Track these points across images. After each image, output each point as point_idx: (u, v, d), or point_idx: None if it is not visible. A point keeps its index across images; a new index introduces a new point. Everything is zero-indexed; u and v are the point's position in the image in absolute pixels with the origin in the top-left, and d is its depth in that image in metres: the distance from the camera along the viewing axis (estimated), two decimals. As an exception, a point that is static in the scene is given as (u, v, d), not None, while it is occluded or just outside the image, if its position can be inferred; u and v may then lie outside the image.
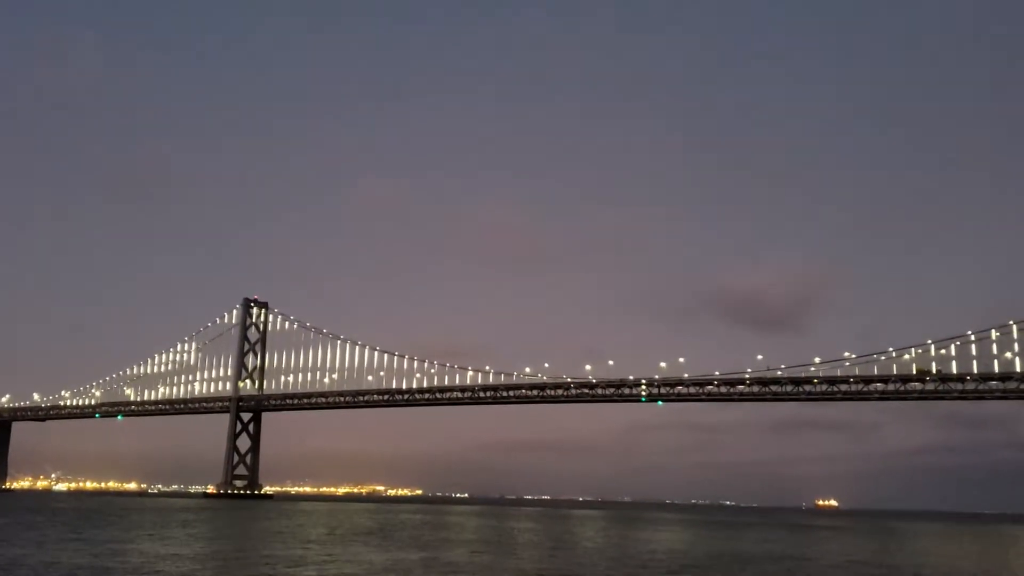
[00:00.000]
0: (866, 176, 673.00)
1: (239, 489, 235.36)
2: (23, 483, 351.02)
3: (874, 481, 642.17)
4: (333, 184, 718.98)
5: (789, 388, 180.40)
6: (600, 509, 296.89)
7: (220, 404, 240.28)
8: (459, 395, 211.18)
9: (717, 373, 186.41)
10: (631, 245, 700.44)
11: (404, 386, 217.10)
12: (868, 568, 60.06)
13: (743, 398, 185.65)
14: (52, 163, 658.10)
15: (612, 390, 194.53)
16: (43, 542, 62.49)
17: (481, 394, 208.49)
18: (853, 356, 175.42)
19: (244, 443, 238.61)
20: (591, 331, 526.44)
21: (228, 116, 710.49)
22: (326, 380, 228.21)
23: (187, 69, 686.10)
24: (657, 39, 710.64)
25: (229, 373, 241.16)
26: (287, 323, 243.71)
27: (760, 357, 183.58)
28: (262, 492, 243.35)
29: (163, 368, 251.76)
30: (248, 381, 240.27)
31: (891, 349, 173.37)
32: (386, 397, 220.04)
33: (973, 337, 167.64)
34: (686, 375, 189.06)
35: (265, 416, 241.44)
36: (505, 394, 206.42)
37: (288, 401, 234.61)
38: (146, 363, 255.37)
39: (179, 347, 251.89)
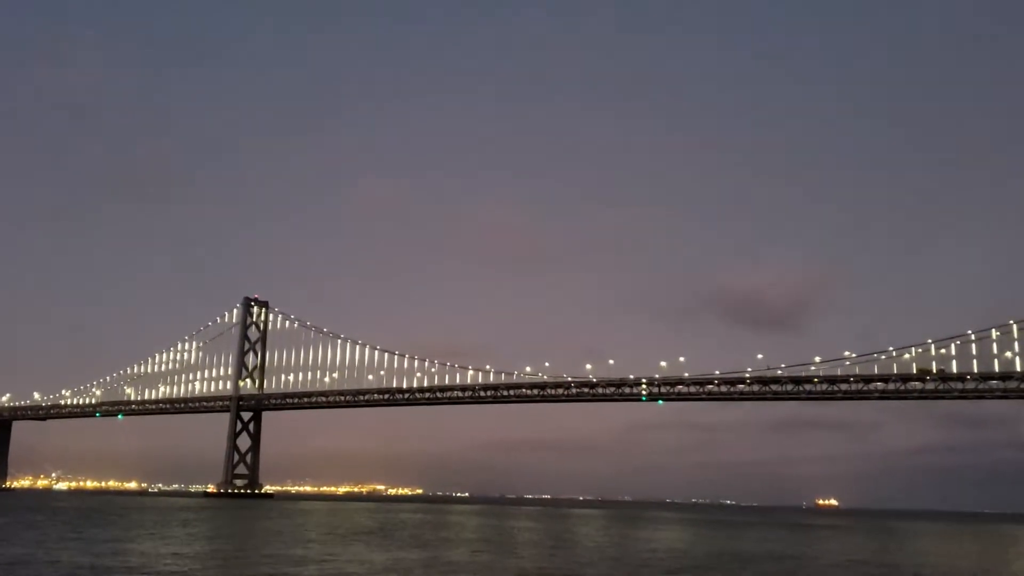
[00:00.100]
0: (866, 176, 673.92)
1: (239, 488, 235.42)
2: (23, 482, 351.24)
3: (874, 480, 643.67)
4: (333, 184, 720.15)
5: (789, 387, 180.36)
6: (600, 508, 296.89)
7: (220, 403, 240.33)
8: (459, 394, 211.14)
9: (717, 372, 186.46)
10: (631, 245, 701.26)
11: (404, 385, 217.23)
12: (868, 568, 60.06)
13: (743, 397, 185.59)
14: (52, 163, 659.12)
15: (612, 389, 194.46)
16: (43, 541, 62.51)
17: (481, 393, 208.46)
18: (853, 355, 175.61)
19: (244, 442, 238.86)
20: (591, 331, 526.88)
21: (228, 116, 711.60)
22: (326, 379, 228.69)
23: (187, 69, 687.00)
24: (657, 39, 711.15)
25: (229, 372, 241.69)
26: (287, 322, 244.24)
27: (760, 356, 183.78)
28: (262, 491, 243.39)
29: (163, 367, 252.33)
30: (248, 380, 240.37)
31: (891, 348, 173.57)
32: (386, 396, 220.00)
33: (973, 336, 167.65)
34: (686, 374, 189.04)
35: (265, 415, 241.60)
36: (505, 393, 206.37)
37: (288, 400, 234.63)
38: (146, 362, 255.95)
39: (179, 346, 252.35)
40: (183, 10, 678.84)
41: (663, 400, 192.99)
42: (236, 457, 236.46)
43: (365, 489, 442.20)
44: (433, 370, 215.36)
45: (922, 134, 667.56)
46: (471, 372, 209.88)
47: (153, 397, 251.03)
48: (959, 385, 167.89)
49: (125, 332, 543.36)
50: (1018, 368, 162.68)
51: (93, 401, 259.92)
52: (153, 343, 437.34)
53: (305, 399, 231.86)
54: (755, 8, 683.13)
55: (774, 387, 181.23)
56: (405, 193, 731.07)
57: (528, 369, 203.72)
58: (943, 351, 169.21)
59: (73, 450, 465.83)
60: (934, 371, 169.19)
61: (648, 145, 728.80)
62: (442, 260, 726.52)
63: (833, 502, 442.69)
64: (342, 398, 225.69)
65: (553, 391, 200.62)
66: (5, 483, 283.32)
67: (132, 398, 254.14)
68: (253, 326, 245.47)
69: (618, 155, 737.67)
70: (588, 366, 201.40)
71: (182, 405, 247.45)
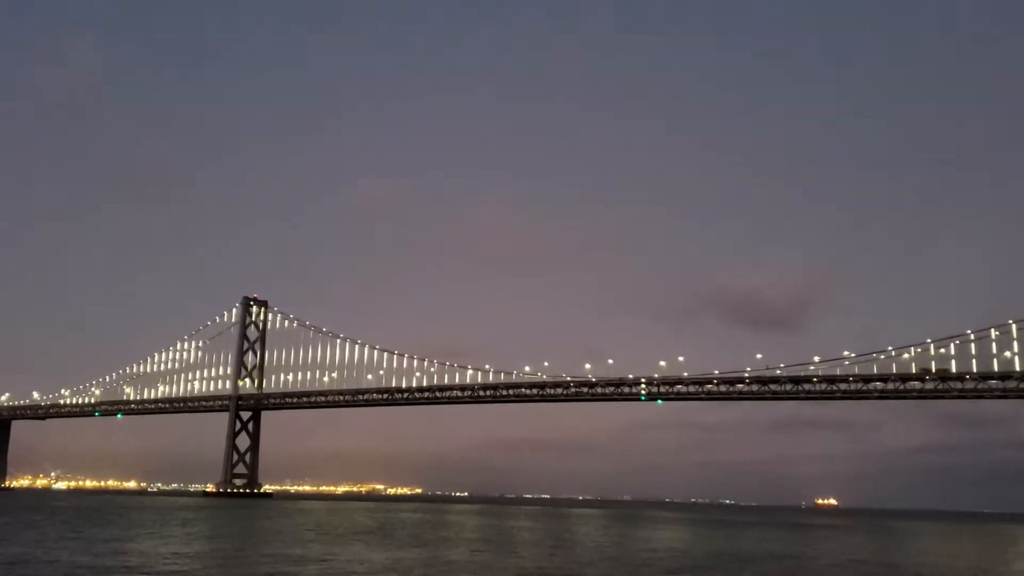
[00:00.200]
0: (866, 176, 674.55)
1: (238, 488, 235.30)
2: (23, 482, 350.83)
3: (873, 480, 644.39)
4: (333, 184, 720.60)
5: (788, 387, 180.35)
6: (600, 508, 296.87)
7: (220, 403, 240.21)
8: (459, 394, 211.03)
9: (716, 372, 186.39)
10: (631, 245, 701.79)
11: (404, 385, 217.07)
12: (868, 567, 60.08)
13: (742, 397, 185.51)
14: (52, 163, 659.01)
15: (612, 389, 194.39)
16: (43, 541, 62.47)
17: (481, 393, 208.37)
18: (852, 355, 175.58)
19: (244, 442, 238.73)
20: (591, 331, 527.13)
21: (228, 116, 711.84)
22: (325, 379, 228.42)
23: (187, 69, 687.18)
24: (657, 39, 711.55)
25: (228, 372, 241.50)
26: (287, 321, 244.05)
27: (759, 356, 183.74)
28: (262, 491, 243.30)
29: (163, 367, 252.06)
30: (248, 380, 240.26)
31: (890, 348, 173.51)
32: (386, 396, 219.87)
33: (972, 336, 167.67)
34: (686, 374, 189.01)
35: (265, 415, 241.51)
36: (505, 393, 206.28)
37: (288, 400, 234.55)
38: (146, 362, 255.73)
39: (179, 346, 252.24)
40: (183, 10, 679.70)
41: (662, 400, 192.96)
42: (235, 456, 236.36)
43: (364, 489, 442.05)
44: (432, 370, 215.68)
45: (922, 134, 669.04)
46: (470, 372, 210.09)
47: (152, 396, 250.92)
48: (958, 385, 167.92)
49: (124, 332, 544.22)
50: (1017, 368, 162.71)
51: (92, 400, 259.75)
52: (152, 342, 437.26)
53: (304, 399, 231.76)
54: (755, 8, 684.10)
55: (773, 387, 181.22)
56: (405, 193, 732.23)
57: (527, 369, 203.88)
58: (942, 351, 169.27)
59: (72, 449, 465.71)
60: (933, 371, 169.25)
61: (648, 145, 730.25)
62: (442, 260, 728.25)
63: (832, 502, 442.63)
64: (341, 398, 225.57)
65: (552, 391, 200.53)
66: (4, 482, 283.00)
67: (131, 397, 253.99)
68: (252, 325, 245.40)
69: (618, 155, 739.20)
70: (587, 366, 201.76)
71: (181, 404, 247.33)
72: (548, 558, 58.77)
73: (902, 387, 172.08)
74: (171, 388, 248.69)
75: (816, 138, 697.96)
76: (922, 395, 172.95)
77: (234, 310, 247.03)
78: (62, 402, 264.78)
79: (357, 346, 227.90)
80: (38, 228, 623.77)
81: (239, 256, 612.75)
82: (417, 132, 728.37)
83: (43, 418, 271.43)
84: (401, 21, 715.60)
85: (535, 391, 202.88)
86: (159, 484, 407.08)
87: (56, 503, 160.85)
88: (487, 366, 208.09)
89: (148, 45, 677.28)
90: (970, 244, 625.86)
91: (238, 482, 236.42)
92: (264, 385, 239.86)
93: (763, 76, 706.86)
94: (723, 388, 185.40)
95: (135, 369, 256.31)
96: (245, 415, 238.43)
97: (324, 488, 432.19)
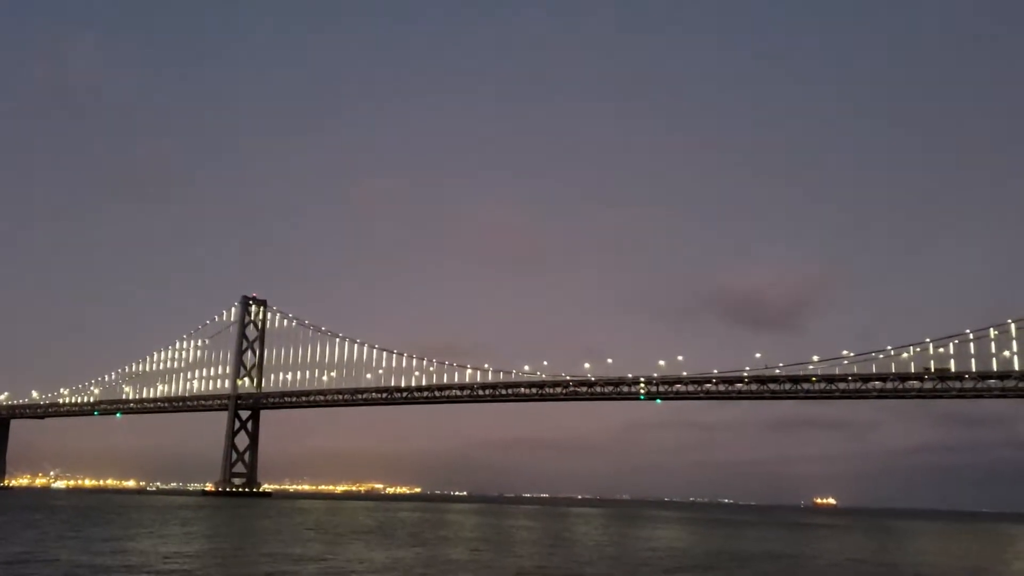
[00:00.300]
0: (866, 176, 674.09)
1: (237, 487, 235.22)
2: (22, 481, 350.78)
3: (872, 479, 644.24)
4: (333, 184, 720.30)
5: (787, 386, 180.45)
6: (599, 507, 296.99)
7: (219, 402, 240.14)
8: (458, 393, 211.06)
9: (716, 371, 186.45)
10: (631, 245, 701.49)
11: (403, 384, 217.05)
12: (867, 567, 60.14)
13: (741, 396, 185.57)
14: (52, 163, 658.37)
15: (611, 388, 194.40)
16: (43, 540, 62.47)
17: (480, 392, 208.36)
18: (851, 355, 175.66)
19: (243, 441, 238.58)
20: (590, 330, 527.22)
21: (228, 116, 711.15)
22: (324, 378, 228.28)
23: (187, 69, 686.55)
24: (657, 39, 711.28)
25: (228, 371, 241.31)
26: (286, 321, 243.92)
27: (758, 356, 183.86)
28: (260, 490, 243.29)
29: (162, 366, 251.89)
30: (247, 379, 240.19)
31: (889, 347, 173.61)
32: (385, 395, 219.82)
33: (971, 336, 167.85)
34: (685, 373, 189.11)
35: (264, 414, 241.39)
36: (504, 392, 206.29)
37: (287, 399, 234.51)
38: (145, 361, 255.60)
39: (178, 345, 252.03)
40: (183, 10, 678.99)
41: (661, 399, 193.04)
42: (234, 456, 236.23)
43: (363, 488, 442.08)
44: (431, 369, 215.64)
45: (922, 134, 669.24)
46: (469, 371, 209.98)
47: (151, 396, 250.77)
48: (957, 384, 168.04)
49: (123, 331, 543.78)
50: (1016, 367, 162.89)
51: (91, 399, 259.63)
52: (151, 342, 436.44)
53: (303, 398, 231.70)
54: (755, 8, 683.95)
55: (772, 386, 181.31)
56: (405, 193, 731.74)
57: (527, 368, 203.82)
58: (941, 350, 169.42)
59: (71, 448, 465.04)
60: (932, 370, 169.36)
61: (648, 145, 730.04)
62: (442, 260, 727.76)
63: (831, 501, 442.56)
64: (340, 397, 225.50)
65: (551, 390, 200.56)
66: (3, 481, 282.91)
67: (130, 396, 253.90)
68: (251, 325, 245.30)
69: (618, 155, 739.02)
70: (587, 365, 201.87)
71: (180, 404, 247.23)
72: (547, 557, 58.81)
73: (901, 386, 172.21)
74: (170, 387, 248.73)
75: (816, 138, 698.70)
76: (921, 394, 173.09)
77: (233, 309, 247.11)
78: (61, 401, 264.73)
79: (356, 345, 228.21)
80: (38, 228, 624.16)
81: (239, 256, 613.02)
82: (417, 132, 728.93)
83: (42, 417, 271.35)
84: (401, 21, 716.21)
85: (534, 390, 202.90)
86: (158, 483, 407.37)
87: (55, 502, 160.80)
88: (486, 365, 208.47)
89: (148, 45, 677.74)
90: (969, 244, 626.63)
91: (237, 481, 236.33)
92: (263, 384, 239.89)
93: (763, 76, 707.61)
94: (722, 387, 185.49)
95: (134, 368, 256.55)
96: (244, 414, 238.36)
97: (323, 487, 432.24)
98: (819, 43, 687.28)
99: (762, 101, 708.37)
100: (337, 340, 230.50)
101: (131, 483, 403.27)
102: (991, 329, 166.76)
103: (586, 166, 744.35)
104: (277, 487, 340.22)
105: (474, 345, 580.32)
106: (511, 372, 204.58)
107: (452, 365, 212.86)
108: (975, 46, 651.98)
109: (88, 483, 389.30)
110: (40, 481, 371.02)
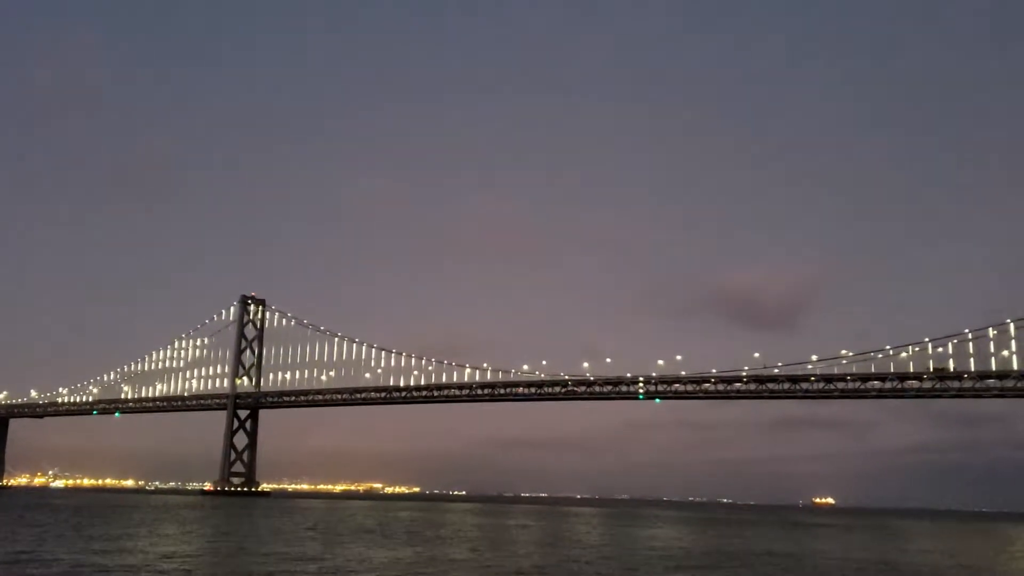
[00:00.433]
0: (866, 176, 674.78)
1: (236, 486, 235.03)
2: (20, 480, 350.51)
3: (871, 479, 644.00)
4: (333, 183, 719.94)
5: (786, 386, 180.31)
6: (598, 507, 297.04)
7: (217, 401, 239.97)
8: (456, 393, 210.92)
9: (714, 371, 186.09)
10: (631, 245, 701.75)
11: (402, 384, 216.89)
12: (866, 566, 60.16)
13: (740, 396, 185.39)
14: (52, 163, 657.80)
15: (610, 387, 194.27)
16: (41, 539, 62.44)
17: (479, 392, 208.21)
18: (850, 354, 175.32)
19: (241, 440, 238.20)
20: (589, 330, 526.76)
21: (228, 116, 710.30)
22: (323, 377, 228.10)
23: (187, 69, 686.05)
24: (657, 38, 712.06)
25: (226, 370, 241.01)
26: (284, 320, 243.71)
27: (757, 355, 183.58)
28: (259, 489, 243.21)
29: (160, 365, 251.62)
30: (245, 378, 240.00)
31: (888, 347, 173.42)
32: (383, 395, 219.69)
33: (970, 335, 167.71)
34: (683, 373, 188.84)
35: (262, 413, 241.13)
36: (502, 392, 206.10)
37: (285, 398, 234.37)
38: (143, 360, 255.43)
39: (176, 344, 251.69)
40: (183, 10, 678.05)
41: (660, 398, 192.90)
42: (233, 455, 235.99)
43: (362, 487, 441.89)
44: (430, 369, 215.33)
45: (922, 134, 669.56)
46: (468, 371, 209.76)
47: (150, 395, 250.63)
48: (956, 384, 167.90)
49: (122, 330, 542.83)
50: (1015, 366, 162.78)
51: (90, 399, 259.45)
52: (150, 341, 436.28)
53: (302, 397, 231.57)
54: (756, 8, 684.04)
55: (771, 386, 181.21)
56: (404, 192, 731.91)
57: (525, 367, 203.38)
58: (940, 350, 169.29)
59: (70, 448, 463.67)
60: (931, 369, 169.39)
61: (648, 144, 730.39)
62: (441, 259, 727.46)
63: (830, 500, 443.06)
64: (339, 396, 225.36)
65: (550, 389, 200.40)
66: (2, 481, 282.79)
67: (129, 396, 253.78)
68: (250, 324, 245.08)
69: (618, 154, 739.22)
70: (585, 364, 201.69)
71: (179, 403, 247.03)
72: (546, 557, 58.83)
73: (900, 386, 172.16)
74: (169, 387, 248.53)
75: (816, 138, 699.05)
76: (920, 394, 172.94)
77: (232, 308, 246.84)
78: (60, 400, 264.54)
79: (355, 345, 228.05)
80: (38, 227, 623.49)
81: (238, 255, 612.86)
82: (417, 132, 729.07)
83: (41, 416, 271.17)
84: (401, 21, 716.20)
85: (533, 390, 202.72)
86: (157, 482, 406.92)
87: (54, 501, 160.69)
88: (485, 365, 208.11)
89: (148, 45, 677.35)
90: (968, 244, 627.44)
91: (236, 481, 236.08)
92: (262, 384, 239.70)
93: (763, 76, 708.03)
94: (721, 387, 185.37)
95: (133, 368, 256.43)
96: (243, 413, 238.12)
97: (322, 487, 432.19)
98: (819, 43, 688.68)
99: (762, 101, 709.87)
100: (336, 339, 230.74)
101: (130, 482, 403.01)
102: (990, 329, 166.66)
103: (586, 165, 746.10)
104: (276, 487, 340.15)
105: (473, 345, 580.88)
106: (510, 371, 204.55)
107: (451, 365, 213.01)
108: (975, 46, 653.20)
109: (87, 482, 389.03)
110: (39, 480, 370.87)
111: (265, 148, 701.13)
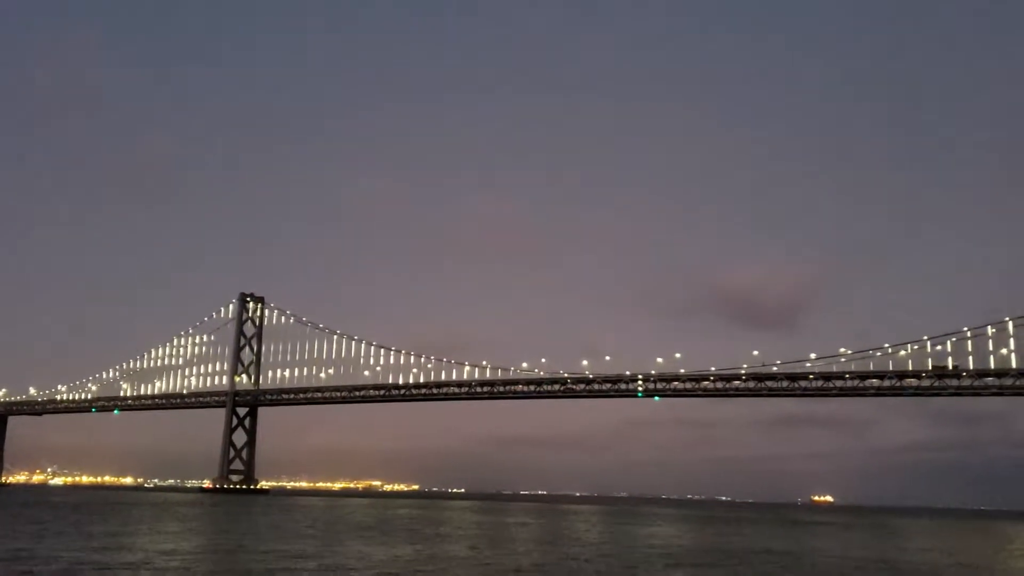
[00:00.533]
0: (866, 176, 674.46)
1: (235, 484, 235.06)
2: (19, 477, 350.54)
3: (870, 477, 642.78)
4: (332, 182, 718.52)
5: (785, 384, 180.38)
6: (597, 504, 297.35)
7: (216, 399, 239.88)
8: (456, 390, 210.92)
9: (713, 369, 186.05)
10: (629, 243, 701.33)
11: (401, 381, 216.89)
12: (864, 564, 60.23)
13: (739, 394, 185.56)
14: (52, 163, 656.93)
15: (609, 385, 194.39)
16: (40, 536, 62.46)
17: (478, 389, 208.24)
18: (849, 352, 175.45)
19: (240, 438, 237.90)
20: (589, 328, 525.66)
21: (228, 115, 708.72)
22: (322, 375, 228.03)
23: (187, 69, 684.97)
24: (657, 36, 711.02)
25: (225, 368, 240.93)
26: (283, 318, 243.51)
27: (756, 353, 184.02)
28: (258, 487, 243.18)
29: (159, 363, 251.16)
30: (244, 376, 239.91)
31: (887, 345, 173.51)
32: (383, 392, 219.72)
33: (969, 333, 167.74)
34: (682, 371, 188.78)
35: (261, 411, 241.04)
36: (501, 389, 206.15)
37: (284, 396, 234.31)
38: (142, 358, 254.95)
39: (175, 342, 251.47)
40: (183, 10, 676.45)
41: (659, 396, 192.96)
42: (232, 453, 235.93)
43: (361, 485, 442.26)
44: (429, 366, 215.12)
45: (921, 133, 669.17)
46: (467, 368, 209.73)
47: (149, 392, 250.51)
48: (954, 382, 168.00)
49: (121, 328, 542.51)
50: (1014, 365, 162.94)
51: (89, 396, 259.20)
52: (149, 339, 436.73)
53: (301, 395, 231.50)
54: (756, 7, 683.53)
55: (770, 383, 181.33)
56: (404, 191, 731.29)
57: (524, 365, 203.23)
58: (939, 348, 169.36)
59: (69, 445, 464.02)
60: (930, 367, 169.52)
61: (648, 143, 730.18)
62: (440, 257, 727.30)
63: (828, 499, 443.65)
64: (338, 394, 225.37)
65: (549, 387, 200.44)
66: (1, 478, 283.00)
67: (128, 393, 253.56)
68: (249, 321, 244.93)
69: (618, 153, 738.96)
70: (584, 362, 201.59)
71: (178, 400, 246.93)
72: (545, 554, 58.88)
73: (898, 384, 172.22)
74: (168, 384, 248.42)
75: (816, 137, 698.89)
76: (918, 392, 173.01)
77: (231, 306, 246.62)
78: (59, 398, 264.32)
79: (354, 342, 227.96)
80: (37, 226, 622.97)
81: (238, 255, 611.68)
82: (417, 132, 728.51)
83: (40, 414, 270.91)
84: (401, 21, 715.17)
85: (532, 388, 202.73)
86: (156, 480, 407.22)
87: (53, 498, 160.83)
88: (484, 363, 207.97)
89: (148, 45, 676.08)
90: (967, 242, 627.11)
91: (235, 478, 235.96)
92: (261, 381, 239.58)
93: (763, 75, 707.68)
94: (720, 385, 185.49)
95: (132, 365, 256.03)
96: (242, 411, 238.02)
97: (321, 484, 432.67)
98: (819, 43, 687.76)
99: (762, 101, 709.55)
100: (335, 337, 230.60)
101: (129, 480, 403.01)
102: (989, 327, 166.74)
103: (586, 165, 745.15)
104: (275, 484, 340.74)
105: (472, 342, 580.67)
106: (509, 369, 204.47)
107: (450, 362, 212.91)
108: (975, 46, 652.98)
109: (86, 480, 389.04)
110: (38, 477, 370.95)
111: (265, 148, 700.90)
